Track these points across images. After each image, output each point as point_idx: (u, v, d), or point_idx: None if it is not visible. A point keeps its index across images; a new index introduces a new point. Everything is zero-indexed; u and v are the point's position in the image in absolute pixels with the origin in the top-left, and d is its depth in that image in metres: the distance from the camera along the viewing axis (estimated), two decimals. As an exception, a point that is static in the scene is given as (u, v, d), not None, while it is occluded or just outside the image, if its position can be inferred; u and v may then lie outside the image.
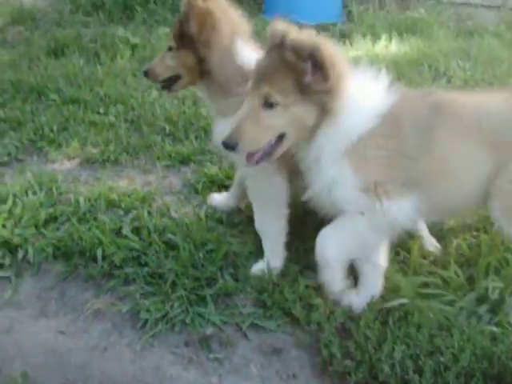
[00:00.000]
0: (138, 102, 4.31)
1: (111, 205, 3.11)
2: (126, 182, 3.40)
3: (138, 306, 2.49)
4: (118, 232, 2.86)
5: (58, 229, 2.93)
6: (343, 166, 2.19)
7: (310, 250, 2.49)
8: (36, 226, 2.94)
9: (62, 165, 3.62)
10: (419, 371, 2.09)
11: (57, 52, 5.60)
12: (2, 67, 5.10)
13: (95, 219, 2.97)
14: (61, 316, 2.52)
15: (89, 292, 2.63)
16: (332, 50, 2.08)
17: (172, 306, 2.47)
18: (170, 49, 2.63)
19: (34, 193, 3.20)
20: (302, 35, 2.07)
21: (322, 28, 5.75)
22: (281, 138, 2.17)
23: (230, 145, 2.12)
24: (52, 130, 3.93)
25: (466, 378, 2.07)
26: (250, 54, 2.47)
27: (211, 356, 2.31)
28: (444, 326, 2.27)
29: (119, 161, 3.64)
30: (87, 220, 2.97)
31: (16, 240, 2.83)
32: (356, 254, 2.38)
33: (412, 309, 2.34)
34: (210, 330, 2.40)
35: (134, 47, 5.64)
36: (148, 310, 2.46)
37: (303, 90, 2.06)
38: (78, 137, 3.86)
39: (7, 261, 2.77)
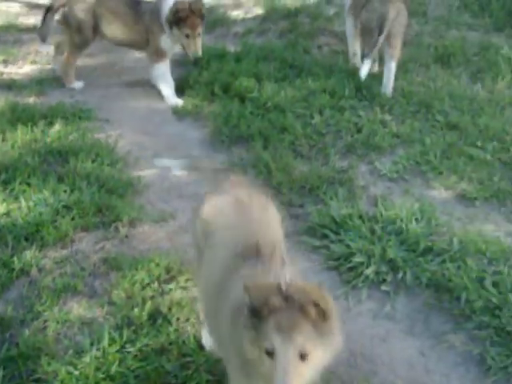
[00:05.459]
0: (511, 141, 4.77)
1: (478, 251, 3.62)
2: (492, 228, 3.92)
3: (485, 351, 3.08)
4: (481, 281, 3.40)
5: (432, 260, 3.57)
6: None
7: None
8: (415, 253, 3.63)
9: (439, 194, 4.25)
10: None
11: (443, 59, 6.14)
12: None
13: (464, 262, 3.52)
14: (424, 339, 3.21)
15: (449, 325, 3.26)
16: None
17: (515, 360, 3.06)
18: None
19: (417, 220, 3.86)
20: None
21: None
22: None
23: None
24: (435, 156, 4.54)
25: None
26: None
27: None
28: None
29: (489, 203, 4.15)
30: (457, 260, 3.55)
31: (398, 261, 3.55)
32: None
33: None
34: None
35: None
36: (493, 358, 3.04)
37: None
38: (457, 169, 4.42)
39: (389, 277, 3.50)
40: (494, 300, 3.31)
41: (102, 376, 2.82)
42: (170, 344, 3.02)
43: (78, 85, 5.78)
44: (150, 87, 5.64)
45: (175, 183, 4.31)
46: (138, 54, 6.15)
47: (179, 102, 5.38)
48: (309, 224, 3.91)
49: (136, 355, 2.94)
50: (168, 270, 3.47)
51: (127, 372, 2.86)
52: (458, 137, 4.79)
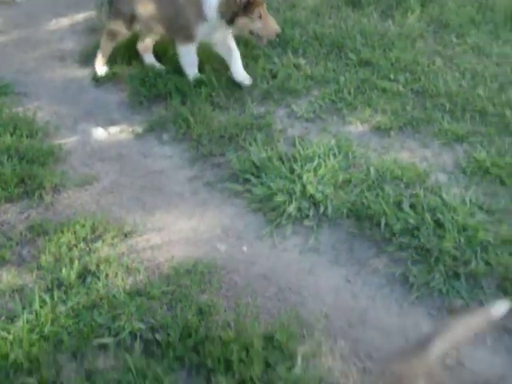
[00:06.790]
0: (423, 71, 4.88)
1: (395, 177, 3.74)
2: (407, 155, 4.05)
3: (407, 270, 3.21)
4: (399, 205, 3.53)
5: (351, 191, 3.65)
6: None
7: None
8: (334, 186, 3.69)
9: (356, 129, 4.33)
10: None
11: (354, 1, 6.16)
12: (307, 15, 5.83)
13: (381, 189, 3.64)
14: (349, 266, 3.33)
15: (371, 251, 3.38)
16: None
17: (434, 277, 3.17)
18: None
19: (334, 155, 3.93)
20: None
21: None
22: None
23: None
24: (350, 93, 4.62)
25: None
26: None
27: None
28: None
29: (403, 132, 4.28)
30: (375, 188, 3.66)
31: (319, 196, 3.62)
32: None
33: None
34: (459, 302, 3.11)
35: (423, 3, 6.07)
36: (415, 276, 3.18)
37: None
38: (371, 102, 4.53)
39: (311, 212, 3.57)
40: (412, 221, 3.42)
41: (35, 337, 2.83)
42: (101, 299, 3.04)
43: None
44: (66, 58, 5.54)
45: (97, 148, 4.30)
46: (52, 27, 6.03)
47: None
48: (231, 171, 3.95)
49: (68, 314, 2.95)
50: (94, 230, 3.48)
51: (60, 330, 2.87)
52: (371, 72, 4.86)
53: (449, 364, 2.80)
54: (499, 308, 2.38)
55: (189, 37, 4.70)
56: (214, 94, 4.67)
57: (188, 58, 4.85)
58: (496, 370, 2.83)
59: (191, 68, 4.86)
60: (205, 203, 3.76)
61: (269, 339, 2.83)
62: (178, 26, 4.69)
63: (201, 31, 4.64)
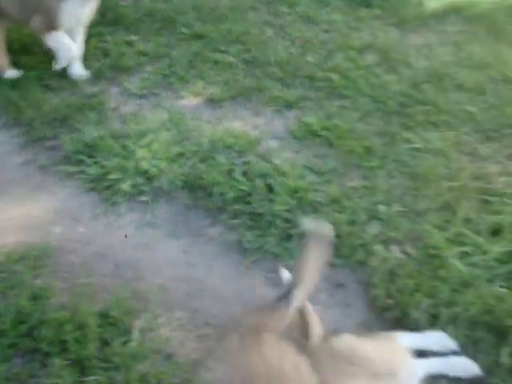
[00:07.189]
0: (254, 41, 4.97)
1: (227, 147, 3.80)
2: (240, 124, 4.12)
3: (242, 236, 3.27)
4: (231, 173, 3.59)
5: (185, 164, 3.68)
6: None
7: (378, 202, 3.31)
8: (168, 160, 3.69)
9: (189, 102, 4.36)
10: (437, 317, 2.83)
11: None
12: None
13: (214, 159, 3.69)
14: (185, 237, 3.35)
15: (207, 220, 3.42)
16: None
17: (267, 240, 3.24)
18: None
19: (168, 129, 3.95)
20: None
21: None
22: None
23: None
24: (182, 67, 4.63)
25: (472, 326, 2.81)
26: None
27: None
28: (465, 282, 2.98)
29: (236, 102, 4.35)
30: (207, 159, 3.71)
31: (153, 171, 3.64)
32: None
33: (442, 264, 3.06)
34: (293, 263, 3.22)
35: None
36: (249, 241, 3.24)
37: None
38: (204, 75, 4.56)
39: (146, 188, 3.57)
40: (244, 188, 3.49)
41: None
42: None
43: None
44: None
45: None
46: None
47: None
48: (64, 153, 3.86)
49: None
50: None
51: None
52: (203, 45, 4.90)
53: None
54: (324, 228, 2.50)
55: (52, 22, 4.32)
56: (45, 76, 4.53)
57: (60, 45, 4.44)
58: (330, 324, 2.94)
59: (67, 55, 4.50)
60: (38, 187, 3.66)
61: (104, 316, 2.81)
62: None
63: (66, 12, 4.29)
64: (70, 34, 4.44)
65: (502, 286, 2.94)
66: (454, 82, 4.53)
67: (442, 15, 5.61)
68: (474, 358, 2.67)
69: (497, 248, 3.11)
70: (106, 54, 4.81)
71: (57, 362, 2.61)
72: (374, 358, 2.37)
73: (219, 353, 2.13)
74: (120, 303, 2.88)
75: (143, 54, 4.81)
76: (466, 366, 2.65)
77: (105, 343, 2.71)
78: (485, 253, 3.11)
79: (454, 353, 2.70)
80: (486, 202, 3.46)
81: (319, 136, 3.96)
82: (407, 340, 2.67)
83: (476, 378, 2.63)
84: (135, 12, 5.33)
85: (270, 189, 3.49)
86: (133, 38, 5.03)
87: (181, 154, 3.76)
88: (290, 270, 3.11)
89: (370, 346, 2.45)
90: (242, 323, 2.31)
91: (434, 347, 2.71)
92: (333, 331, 2.72)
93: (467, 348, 2.72)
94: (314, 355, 2.35)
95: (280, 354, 2.08)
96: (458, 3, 5.75)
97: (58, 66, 4.48)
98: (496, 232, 3.24)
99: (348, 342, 2.43)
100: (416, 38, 5.22)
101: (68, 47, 4.40)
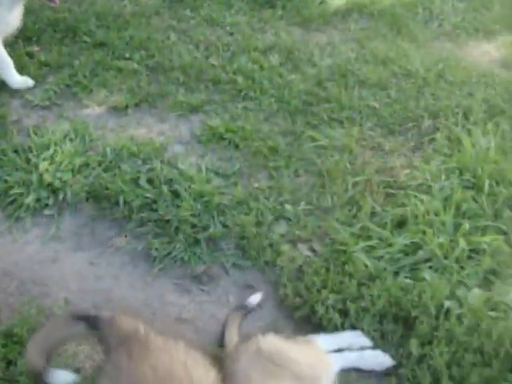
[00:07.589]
0: (158, 47, 4.94)
1: (132, 154, 3.78)
2: (144, 131, 4.10)
3: (149, 244, 3.27)
4: (136, 181, 3.58)
5: (90, 175, 3.63)
6: None
7: (284, 202, 3.35)
8: (72, 172, 3.64)
9: (93, 111, 4.31)
10: (346, 313, 2.90)
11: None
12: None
13: (119, 168, 3.66)
14: (92, 249, 3.32)
15: (113, 230, 3.40)
16: None
17: (175, 247, 3.26)
18: None
19: (71, 140, 3.88)
20: None
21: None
22: None
23: None
24: (85, 76, 4.57)
25: (380, 319, 2.88)
26: None
27: (201, 287, 3.13)
28: (371, 276, 3.06)
29: (140, 109, 4.33)
30: (112, 168, 3.68)
31: (57, 183, 3.58)
32: None
33: (349, 259, 3.13)
34: (201, 267, 3.22)
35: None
36: (157, 249, 3.24)
37: None
38: (107, 83, 4.51)
39: (51, 201, 3.51)
40: (150, 195, 3.49)
41: None
42: None
43: None
44: None
45: None
46: None
47: None
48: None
49: None
50: None
51: None
52: (106, 53, 4.82)
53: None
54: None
55: None
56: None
57: None
58: (241, 327, 2.95)
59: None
60: None
61: (9, 335, 2.76)
62: None
63: None
64: None
65: (407, 277, 3.02)
66: (358, 79, 4.62)
67: (344, 13, 5.70)
68: (384, 350, 2.74)
69: (401, 240, 3.19)
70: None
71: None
72: (299, 361, 2.42)
73: (109, 370, 2.11)
74: (25, 321, 2.83)
75: (45, 64, 4.72)
76: (379, 359, 2.72)
77: (9, 363, 2.65)
78: (390, 245, 3.18)
79: (370, 349, 2.77)
80: (390, 195, 3.54)
81: (224, 139, 3.98)
82: (325, 342, 2.72)
83: (387, 369, 2.70)
84: (36, 22, 5.21)
85: (176, 194, 3.50)
86: (33, 48, 4.91)
87: (85, 165, 3.71)
88: (198, 276, 3.15)
89: (295, 349, 2.49)
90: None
91: (351, 347, 2.77)
92: (244, 335, 2.75)
93: (377, 341, 2.79)
94: (237, 354, 2.38)
95: (168, 356, 2.09)
96: (361, 1, 5.84)
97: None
98: (400, 224, 3.33)
99: (275, 343, 2.46)
100: (319, 37, 5.30)
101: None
